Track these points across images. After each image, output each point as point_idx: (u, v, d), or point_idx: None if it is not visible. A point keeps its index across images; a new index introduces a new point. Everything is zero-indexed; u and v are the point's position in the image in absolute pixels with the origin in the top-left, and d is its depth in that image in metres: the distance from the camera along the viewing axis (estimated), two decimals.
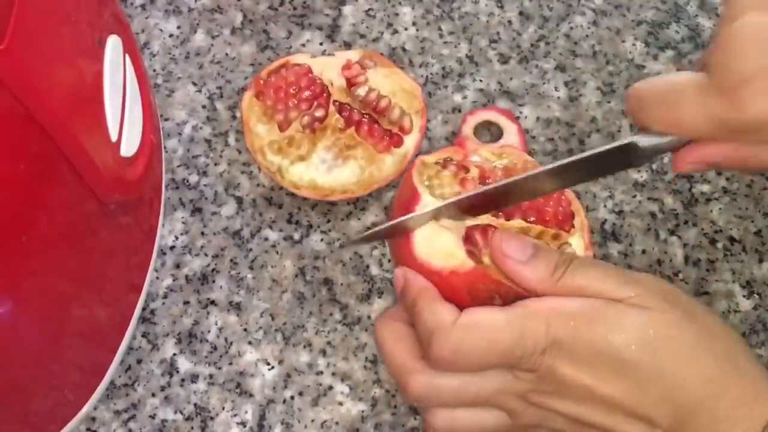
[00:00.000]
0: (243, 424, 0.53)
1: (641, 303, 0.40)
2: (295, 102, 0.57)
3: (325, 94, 0.58)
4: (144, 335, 0.55)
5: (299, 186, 0.56)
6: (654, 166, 0.60)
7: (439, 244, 0.43)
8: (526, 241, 0.42)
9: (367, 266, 0.57)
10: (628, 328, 0.39)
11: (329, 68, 0.59)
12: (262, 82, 0.58)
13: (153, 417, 0.53)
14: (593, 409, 0.40)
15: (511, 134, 0.59)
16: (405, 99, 0.58)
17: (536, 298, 0.41)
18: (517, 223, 0.45)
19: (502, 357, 0.40)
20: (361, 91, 0.58)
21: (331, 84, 0.58)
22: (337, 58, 0.60)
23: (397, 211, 0.46)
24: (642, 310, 0.40)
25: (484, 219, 0.45)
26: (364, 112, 0.58)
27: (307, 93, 0.57)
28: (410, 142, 0.57)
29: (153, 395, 0.53)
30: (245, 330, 0.55)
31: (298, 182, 0.57)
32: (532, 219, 0.45)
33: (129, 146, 0.44)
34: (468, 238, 0.44)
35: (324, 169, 0.57)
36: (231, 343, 0.55)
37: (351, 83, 0.58)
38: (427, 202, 0.44)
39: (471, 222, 0.44)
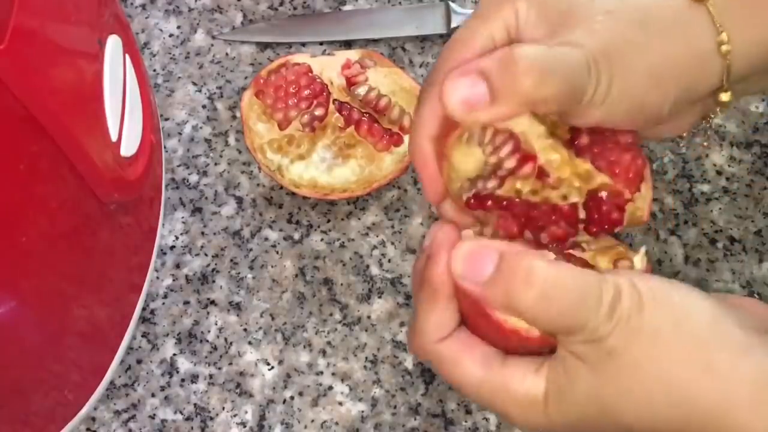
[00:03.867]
0: (243, 424, 0.53)
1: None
2: (295, 101, 0.57)
3: (324, 93, 0.58)
4: (144, 335, 0.55)
5: (299, 185, 0.56)
6: (654, 166, 0.60)
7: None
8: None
9: (367, 266, 0.57)
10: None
11: (329, 67, 0.59)
12: (262, 81, 0.58)
13: (153, 417, 0.53)
14: None
15: None
16: (405, 98, 0.58)
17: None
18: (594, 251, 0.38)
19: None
20: (361, 91, 0.58)
21: (331, 83, 0.58)
22: (336, 57, 0.60)
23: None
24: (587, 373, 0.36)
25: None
26: (363, 111, 0.58)
27: (306, 92, 0.57)
28: None
29: (153, 395, 0.53)
30: (245, 330, 0.55)
31: (298, 181, 0.57)
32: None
33: (129, 146, 0.44)
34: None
35: (324, 168, 0.57)
36: (231, 343, 0.55)
37: (351, 82, 0.58)
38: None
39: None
